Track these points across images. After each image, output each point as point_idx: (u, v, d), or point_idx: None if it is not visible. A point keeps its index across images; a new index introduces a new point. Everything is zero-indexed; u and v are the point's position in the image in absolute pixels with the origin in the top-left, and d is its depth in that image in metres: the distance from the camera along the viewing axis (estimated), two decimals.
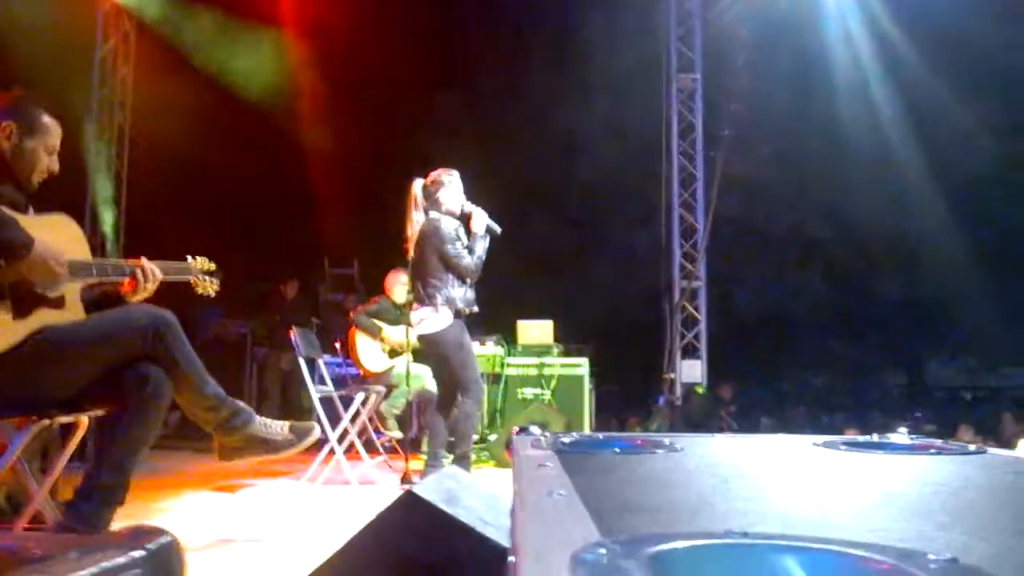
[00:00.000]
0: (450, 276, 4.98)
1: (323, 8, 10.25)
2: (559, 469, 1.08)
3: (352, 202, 11.03)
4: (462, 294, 5.02)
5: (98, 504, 2.60)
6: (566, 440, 1.53)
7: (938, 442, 1.61)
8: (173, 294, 3.08)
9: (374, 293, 7.26)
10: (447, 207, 5.08)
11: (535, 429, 1.63)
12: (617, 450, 1.41)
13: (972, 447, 1.53)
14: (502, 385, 8.36)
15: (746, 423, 10.45)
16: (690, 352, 9.86)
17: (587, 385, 8.36)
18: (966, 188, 11.39)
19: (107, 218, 9.83)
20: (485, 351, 8.32)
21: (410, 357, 6.02)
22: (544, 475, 1.03)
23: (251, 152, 10.72)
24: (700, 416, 9.11)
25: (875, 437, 1.72)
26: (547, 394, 8.21)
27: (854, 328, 14.73)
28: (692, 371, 9.74)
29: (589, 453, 1.37)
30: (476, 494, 2.96)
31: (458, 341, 5.00)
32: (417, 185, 5.16)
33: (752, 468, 1.28)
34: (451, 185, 5.12)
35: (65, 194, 3.10)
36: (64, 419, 2.78)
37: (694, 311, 9.95)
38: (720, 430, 9.00)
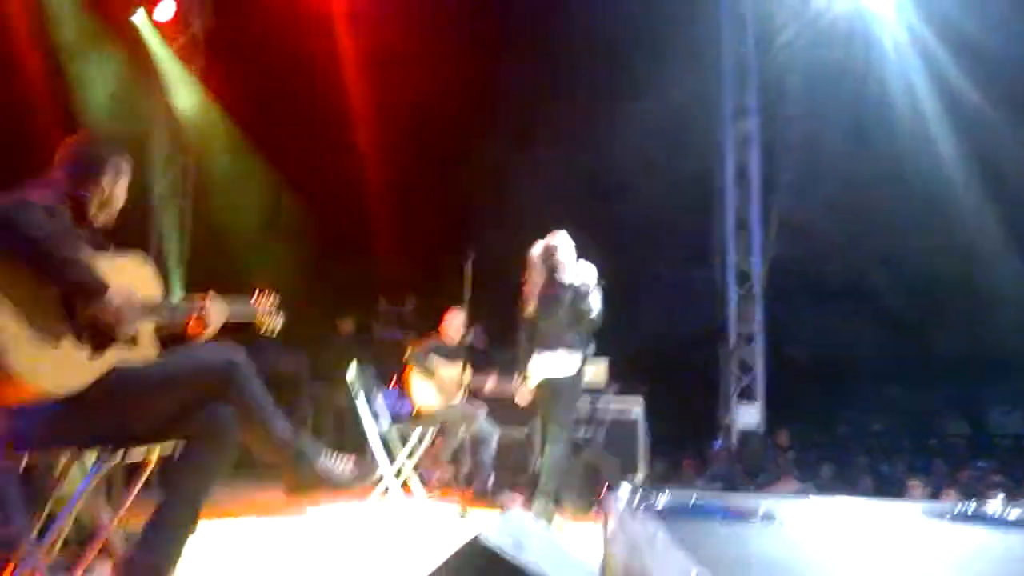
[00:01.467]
0: (581, 330, 5.39)
1: (378, 55, 10.44)
2: (671, 543, 1.06)
3: (409, 242, 11.14)
4: (591, 345, 5.47)
5: (168, 539, 2.63)
6: (662, 502, 1.51)
7: None
8: (230, 325, 3.12)
9: (428, 331, 7.29)
10: (568, 267, 5.45)
11: (624, 487, 1.60)
12: (719, 518, 1.39)
13: None
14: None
15: (804, 470, 10.23)
16: (747, 396, 9.72)
17: (641, 427, 8.26)
18: None
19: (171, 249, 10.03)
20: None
21: (465, 396, 6.02)
22: (664, 551, 1.01)
23: (309, 192, 10.90)
24: (756, 461, 8.92)
25: (973, 507, 1.65)
26: (601, 435, 8.12)
27: (912, 375, 14.41)
28: (749, 416, 9.59)
29: (691, 519, 1.35)
30: (542, 541, 2.93)
31: (575, 393, 5.47)
32: (536, 251, 5.57)
33: (853, 541, 1.25)
34: (566, 247, 5.50)
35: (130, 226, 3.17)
36: (136, 456, 2.81)
37: (749, 357, 9.82)
38: (779, 478, 8.81)
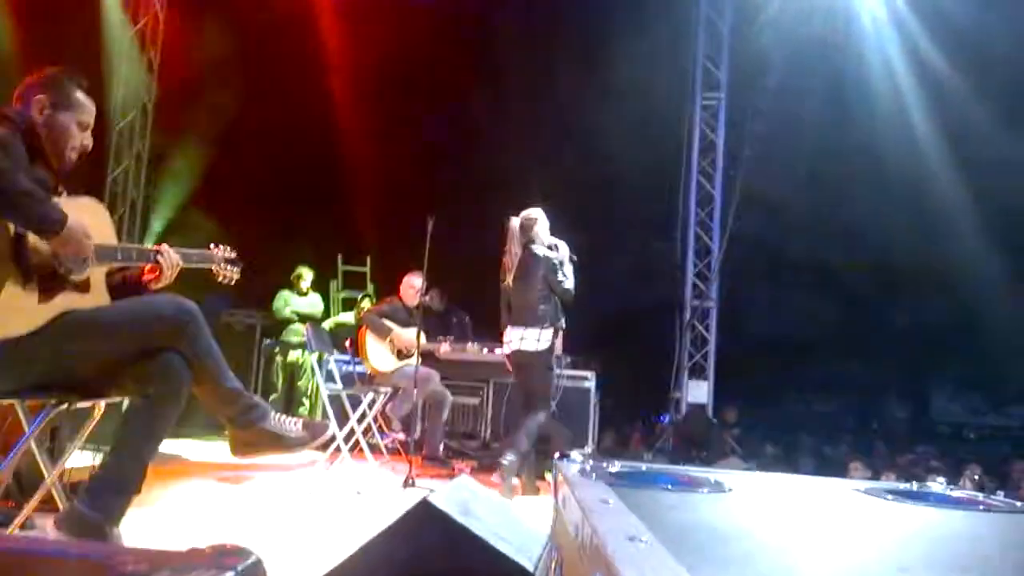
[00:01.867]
0: (554, 300, 5.59)
1: (354, 7, 10.27)
2: (623, 508, 1.07)
3: (369, 200, 11.03)
4: (555, 315, 5.60)
5: (114, 492, 2.59)
6: (613, 471, 1.51)
7: (981, 496, 1.59)
8: (184, 280, 3.07)
9: (385, 293, 7.25)
10: (543, 240, 5.68)
11: (576, 455, 1.61)
12: (669, 487, 1.40)
13: (1019, 504, 1.51)
14: (508, 394, 8.33)
15: (749, 447, 10.41)
16: (698, 372, 9.83)
17: (593, 399, 8.33)
18: (997, 221, 11.28)
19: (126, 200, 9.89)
20: (493, 359, 8.30)
21: (418, 360, 6.02)
22: (613, 515, 1.01)
23: (266, 147, 10.74)
24: (702, 437, 9.07)
25: (915, 486, 1.70)
26: (552, 404, 8.17)
27: (865, 357, 14.66)
28: (699, 392, 9.70)
29: (642, 487, 1.35)
30: (490, 507, 2.94)
31: (549, 365, 5.60)
32: (515, 221, 5.75)
33: (803, 515, 1.26)
34: (543, 221, 5.72)
35: (86, 174, 3.08)
36: (82, 404, 2.76)
37: (704, 331, 9.92)
38: (724, 454, 8.96)
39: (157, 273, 2.96)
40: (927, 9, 9.67)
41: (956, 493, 1.68)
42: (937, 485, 1.73)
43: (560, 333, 5.67)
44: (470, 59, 11.60)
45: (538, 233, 5.68)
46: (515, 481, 5.40)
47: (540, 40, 11.71)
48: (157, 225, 10.29)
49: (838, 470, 8.87)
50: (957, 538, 1.21)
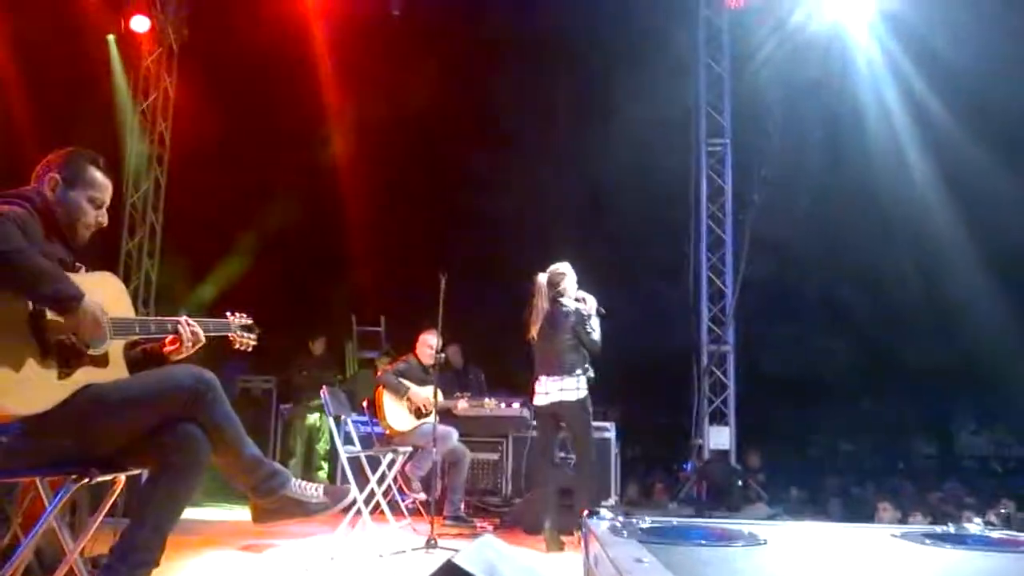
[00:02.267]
0: (582, 352, 5.75)
1: (358, 65, 10.44)
2: (658, 566, 1.04)
3: (381, 260, 11.08)
4: (587, 365, 5.77)
5: (133, 565, 2.57)
6: (644, 527, 1.49)
7: (1020, 536, 1.55)
8: (199, 348, 3.08)
9: (401, 352, 7.24)
10: (571, 294, 5.89)
11: (606, 512, 1.59)
12: (703, 542, 1.37)
13: None
14: (527, 448, 8.27)
15: (774, 491, 10.26)
16: (718, 418, 9.73)
17: (614, 449, 8.27)
18: (1002, 256, 11.26)
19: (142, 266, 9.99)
20: (511, 413, 8.26)
21: (436, 418, 5.99)
22: (649, 574, 0.99)
23: (279, 207, 10.84)
24: (729, 485, 8.94)
25: (952, 528, 1.66)
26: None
27: (884, 395, 14.50)
28: (720, 437, 9.60)
29: (675, 543, 1.33)
30: (516, 566, 2.89)
31: (586, 409, 5.72)
32: (542, 277, 5.97)
33: (841, 566, 1.24)
34: (571, 276, 5.94)
35: (100, 246, 3.11)
36: (103, 478, 2.75)
37: (722, 376, 9.85)
38: (748, 500, 8.83)
39: (177, 344, 2.98)
40: (922, 51, 9.77)
41: (994, 534, 1.64)
42: (974, 526, 1.69)
43: (589, 382, 5.77)
44: (476, 117, 11.75)
45: (566, 288, 5.87)
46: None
47: (543, 96, 11.86)
48: (172, 296, 10.35)
49: (867, 510, 8.72)
50: None
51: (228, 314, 3.31)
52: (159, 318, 2.99)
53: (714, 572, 1.12)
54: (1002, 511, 7.22)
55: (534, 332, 5.92)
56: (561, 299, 5.84)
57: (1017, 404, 14.11)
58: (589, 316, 5.75)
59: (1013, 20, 9.50)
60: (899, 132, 10.47)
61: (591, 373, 5.78)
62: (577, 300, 5.85)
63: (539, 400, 5.86)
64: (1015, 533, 1.66)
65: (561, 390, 5.72)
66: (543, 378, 5.82)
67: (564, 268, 5.94)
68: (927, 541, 1.50)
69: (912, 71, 9.95)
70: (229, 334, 3.27)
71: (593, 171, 11.12)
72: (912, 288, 12.02)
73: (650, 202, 10.45)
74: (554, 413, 5.82)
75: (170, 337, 2.98)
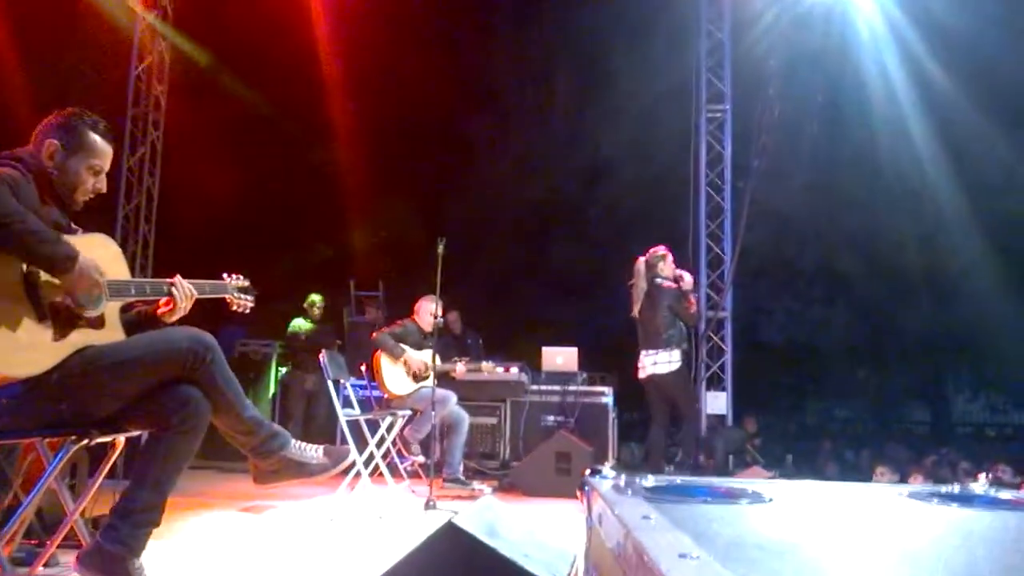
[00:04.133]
0: (681, 326, 6.49)
1: (355, 32, 10.31)
2: (666, 523, 1.04)
3: (381, 224, 11.04)
4: (681, 338, 6.48)
5: (134, 525, 2.58)
6: (648, 485, 1.48)
7: None
8: (198, 311, 3.06)
9: (400, 316, 7.22)
10: (667, 274, 6.57)
11: (608, 471, 1.58)
12: (708, 499, 1.36)
13: None
14: (525, 412, 8.30)
15: (770, 456, 10.33)
16: (716, 383, 9.76)
17: (611, 414, 8.29)
18: (1001, 223, 11.26)
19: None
20: (509, 377, 8.27)
21: (434, 381, 5.99)
22: (658, 531, 0.98)
23: (280, 171, 10.78)
24: (724, 449, 8.99)
25: (957, 488, 1.66)
26: (571, 422, 8.14)
27: (880, 361, 14.56)
28: (717, 403, 9.63)
29: (681, 501, 1.32)
30: (516, 526, 2.90)
31: (687, 380, 6.62)
32: (641, 260, 6.69)
33: (850, 524, 1.23)
34: (668, 259, 6.62)
35: (95, 210, 3.07)
36: (102, 439, 2.74)
37: (720, 342, 9.86)
38: (746, 464, 8.88)
39: (171, 305, 2.95)
40: (923, 17, 9.68)
41: (1002, 494, 1.64)
42: (979, 486, 1.69)
43: (687, 354, 6.56)
44: (474, 85, 11.66)
45: (662, 268, 6.54)
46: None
47: (542, 64, 11.75)
48: (170, 259, 10.30)
49: (862, 475, 8.78)
50: (1011, 540, 1.17)
51: (225, 275, 3.28)
52: (154, 280, 2.97)
53: (721, 528, 1.11)
54: (999, 475, 7.26)
55: (636, 311, 6.63)
56: (658, 279, 6.50)
57: (1013, 371, 14.18)
58: (685, 293, 6.39)
59: None
60: (900, 100, 10.42)
61: (686, 346, 6.51)
62: (675, 279, 6.49)
63: (641, 374, 6.59)
64: (1021, 493, 1.66)
65: (655, 363, 6.42)
66: (642, 353, 6.55)
67: (662, 250, 6.62)
68: (934, 500, 1.50)
69: (913, 38, 9.87)
70: (226, 295, 3.24)
71: (592, 138, 11.05)
72: (910, 257, 12.04)
73: (649, 168, 10.39)
74: (656, 384, 6.50)
75: (165, 298, 2.95)
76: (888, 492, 1.64)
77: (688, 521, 1.12)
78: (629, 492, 1.37)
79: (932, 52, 9.97)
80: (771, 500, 1.37)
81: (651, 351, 6.49)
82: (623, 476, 1.56)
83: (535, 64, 11.76)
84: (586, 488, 1.47)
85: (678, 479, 1.60)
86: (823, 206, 11.79)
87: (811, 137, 10.70)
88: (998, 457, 9.08)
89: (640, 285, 6.65)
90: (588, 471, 1.59)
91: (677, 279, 6.55)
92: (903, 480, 7.27)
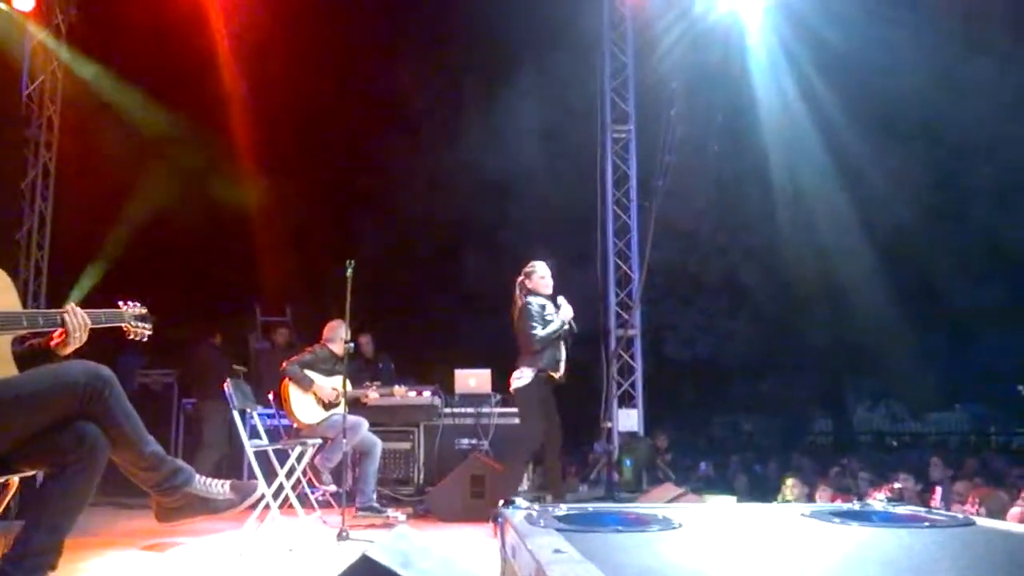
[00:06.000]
0: (540, 345, 6.10)
1: (262, 51, 10.15)
2: (577, 557, 1.04)
3: (287, 247, 10.85)
4: (548, 360, 6.13)
5: (29, 569, 2.46)
6: (560, 514, 1.49)
7: (922, 511, 1.62)
8: (93, 340, 2.92)
9: (307, 343, 7.09)
10: (541, 289, 6.27)
11: (521, 501, 1.58)
12: (619, 528, 1.37)
13: (960, 515, 1.54)
14: (439, 436, 8.25)
15: (681, 470, 10.52)
16: (626, 400, 9.89)
17: None
18: (890, 237, 11.77)
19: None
20: (422, 401, 8.21)
21: (345, 408, 5.89)
22: (569, 565, 0.98)
23: (182, 194, 10.49)
24: (638, 465, 9.11)
25: (857, 505, 1.71)
26: (485, 444, 8.12)
27: (782, 374, 15.00)
28: (629, 420, 9.76)
29: (592, 530, 1.33)
30: (430, 556, 2.87)
31: (526, 398, 6.13)
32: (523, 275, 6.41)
33: (754, 546, 1.26)
34: (535, 273, 6.31)
35: None
36: None
37: (630, 359, 10.00)
38: (658, 480, 9.01)
39: (64, 336, 2.81)
40: (811, 38, 10.12)
41: (899, 510, 1.70)
42: (878, 503, 1.75)
43: (545, 372, 6.10)
44: (380, 105, 11.61)
45: (534, 284, 6.26)
46: None
47: (448, 83, 11.79)
48: (64, 287, 9.87)
49: (772, 485, 9.02)
50: (908, 556, 1.21)
51: (120, 303, 3.14)
52: (47, 311, 2.83)
53: (632, 558, 1.12)
54: (902, 483, 7.54)
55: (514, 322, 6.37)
56: (525, 295, 6.24)
57: (909, 381, 14.81)
58: (538, 311, 6.11)
59: (894, 10, 9.92)
60: (793, 117, 10.83)
61: (543, 364, 6.08)
62: (549, 297, 6.23)
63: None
64: (917, 508, 1.72)
65: (514, 378, 6.18)
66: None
67: (531, 266, 6.34)
68: (835, 519, 1.55)
69: (805, 58, 10.30)
70: (123, 324, 3.10)
71: (501, 157, 11.11)
72: (808, 271, 12.47)
73: (557, 188, 10.51)
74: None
75: (58, 330, 2.81)
76: (790, 512, 1.69)
77: (600, 551, 1.12)
78: (541, 523, 1.37)
79: (823, 71, 10.42)
80: (680, 526, 1.40)
81: (516, 365, 6.27)
82: (535, 506, 1.56)
83: (443, 84, 11.79)
84: (499, 520, 1.46)
85: (589, 507, 1.61)
86: (725, 222, 12.12)
87: (712, 155, 11.01)
88: (897, 466, 9.46)
89: (516, 298, 6.41)
90: (501, 503, 1.59)
91: (551, 298, 6.29)
92: (811, 492, 7.50)
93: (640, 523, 1.44)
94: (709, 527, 1.46)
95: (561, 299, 6.28)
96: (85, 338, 2.86)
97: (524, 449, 6.30)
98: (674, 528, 1.38)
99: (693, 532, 1.36)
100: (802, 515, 1.62)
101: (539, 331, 6.10)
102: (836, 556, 1.22)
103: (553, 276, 6.38)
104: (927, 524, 1.53)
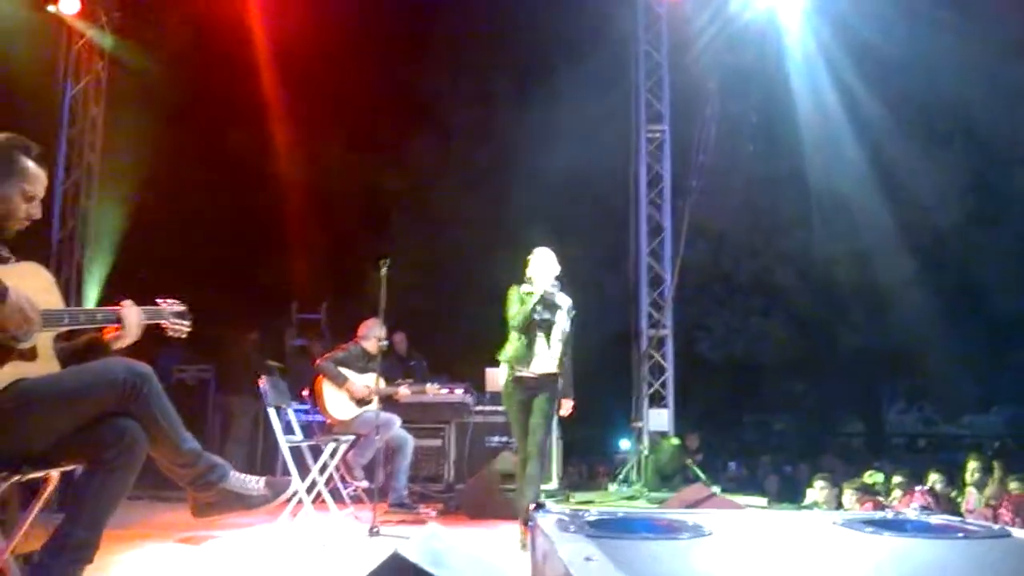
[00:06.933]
0: (513, 336, 5.47)
1: (299, 51, 10.24)
2: (608, 565, 1.05)
3: (323, 246, 10.94)
4: (513, 351, 5.44)
5: (67, 562, 2.51)
6: (591, 520, 1.50)
7: (957, 521, 1.61)
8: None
9: (341, 340, 7.15)
10: (539, 278, 5.45)
11: (551, 505, 1.59)
12: (650, 535, 1.39)
13: (996, 527, 1.53)
14: (470, 433, 8.30)
15: (712, 470, 10.48)
16: (657, 400, 9.87)
17: (555, 433, 8.31)
18: (929, 242, 11.63)
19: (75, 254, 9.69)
20: (453, 398, 8.26)
21: (378, 405, 5.94)
22: (600, 573, 1.00)
23: (220, 193, 10.63)
24: (669, 465, 9.09)
25: (890, 514, 1.71)
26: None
27: (815, 375, 14.88)
28: (659, 419, 9.74)
29: (623, 537, 1.34)
30: (461, 553, 2.90)
31: (507, 400, 5.49)
32: None
33: (786, 556, 1.26)
34: (535, 261, 5.53)
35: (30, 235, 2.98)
36: (35, 474, 2.67)
37: (661, 359, 9.98)
38: (688, 480, 8.99)
39: (122, 331, 2.87)
40: (852, 40, 10.01)
41: (933, 519, 1.69)
42: (912, 512, 1.74)
43: (513, 372, 5.42)
44: (415, 107, 11.67)
45: (534, 272, 5.50)
46: None
47: (482, 85, 11.82)
48: (95, 288, 9.98)
49: (802, 487, 8.95)
50: (942, 569, 1.21)
51: (159, 301, 3.19)
52: (88, 308, 2.90)
53: (663, 567, 1.14)
54: (932, 489, 7.45)
55: None
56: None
57: (943, 383, 14.61)
58: (511, 299, 5.47)
59: (937, 12, 9.78)
60: (831, 119, 10.72)
61: (510, 363, 5.44)
62: (548, 292, 5.43)
63: None
64: (951, 518, 1.72)
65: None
66: None
67: (532, 254, 5.58)
68: (867, 529, 1.54)
69: (844, 60, 10.18)
70: (162, 322, 3.15)
71: (532, 158, 11.12)
72: (843, 272, 12.35)
73: (590, 189, 10.51)
74: None
75: (114, 326, 2.87)
76: (822, 520, 1.69)
77: (631, 559, 1.14)
78: (572, 528, 1.38)
79: (862, 74, 10.30)
80: (711, 534, 1.40)
81: None
82: (566, 511, 1.58)
83: (475, 86, 11.83)
84: (530, 524, 1.48)
85: (620, 512, 1.62)
86: (759, 224, 12.04)
87: (747, 156, 10.94)
88: (930, 468, 9.32)
89: None
90: (533, 506, 1.60)
91: (549, 293, 5.49)
92: (840, 495, 7.44)
93: (671, 530, 1.44)
94: (740, 535, 1.47)
95: (550, 288, 5.45)
96: (140, 334, 2.92)
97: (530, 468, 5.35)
98: (705, 536, 1.38)
99: (724, 540, 1.36)
100: (834, 523, 1.61)
101: (514, 320, 5.43)
102: (869, 567, 1.22)
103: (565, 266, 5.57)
104: (962, 535, 1.52)
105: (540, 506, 1.62)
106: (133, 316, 2.87)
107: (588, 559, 1.06)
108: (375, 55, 10.89)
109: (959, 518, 1.60)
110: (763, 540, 1.44)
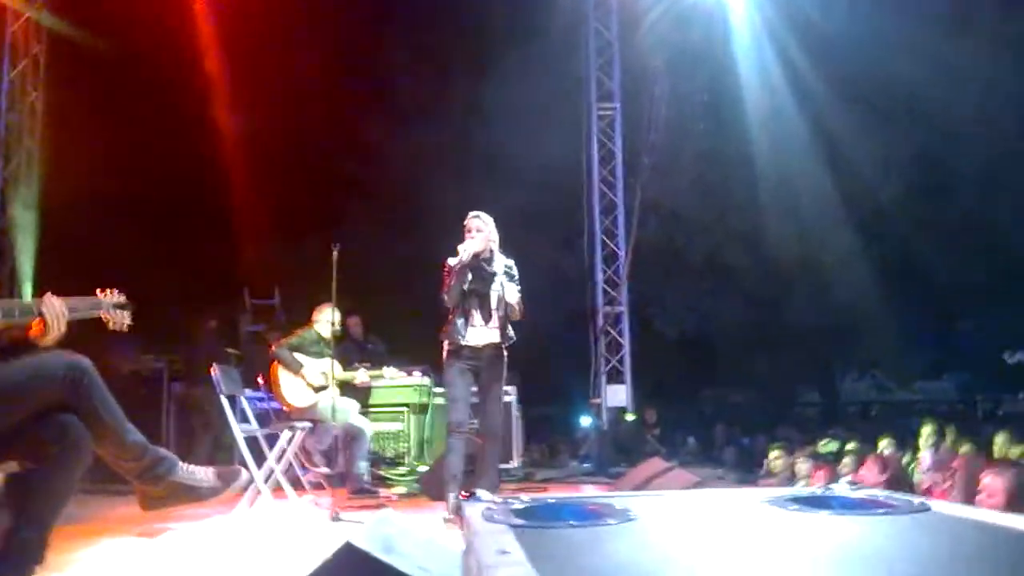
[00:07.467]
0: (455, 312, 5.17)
1: (245, 34, 10.06)
2: (522, 560, 1.06)
3: (274, 229, 10.82)
4: (451, 329, 5.16)
5: (15, 564, 2.47)
6: (518, 508, 1.52)
7: (882, 496, 1.65)
8: (83, 329, 2.91)
9: (297, 325, 7.09)
10: (466, 247, 5.15)
11: (483, 494, 1.60)
12: (573, 523, 1.41)
13: (916, 502, 1.58)
14: (429, 415, 8.30)
15: (670, 444, 10.61)
16: (615, 377, 9.96)
17: (515, 412, 8.36)
18: (872, 214, 11.83)
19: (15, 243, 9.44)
20: (412, 381, 8.25)
21: (336, 391, 5.92)
22: (511, 568, 1.01)
23: (167, 178, 10.45)
24: (628, 441, 9.19)
25: (819, 490, 1.75)
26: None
27: (769, 349, 15.08)
28: (617, 396, 9.84)
29: (547, 526, 1.36)
30: (413, 540, 2.91)
31: (446, 370, 5.22)
32: None
33: (709, 538, 1.29)
34: (477, 221, 5.29)
35: None
36: None
37: (618, 336, 10.06)
38: (646, 454, 9.09)
39: (43, 327, 2.78)
40: (797, 17, 10.10)
41: (857, 494, 1.74)
42: (840, 487, 1.78)
43: (449, 346, 5.21)
44: (366, 87, 11.55)
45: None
46: None
47: (434, 63, 11.73)
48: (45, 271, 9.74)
49: (758, 458, 9.11)
50: (860, 546, 1.25)
51: (98, 292, 3.10)
52: (23, 301, 2.79)
53: (583, 556, 1.16)
54: (882, 454, 7.61)
55: None
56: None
57: (893, 351, 14.92)
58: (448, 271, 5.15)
59: None
60: (777, 97, 10.81)
61: (447, 335, 5.19)
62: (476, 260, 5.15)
63: None
64: (875, 492, 1.76)
65: None
66: None
67: (468, 218, 5.32)
68: (792, 507, 1.58)
69: (789, 37, 10.27)
70: (101, 313, 3.07)
71: (485, 138, 11.09)
72: (791, 247, 12.51)
73: (545, 169, 10.51)
74: None
75: (36, 320, 2.78)
76: (748, 499, 1.72)
77: (551, 549, 1.16)
78: (496, 518, 1.40)
79: (806, 50, 10.39)
80: (636, 518, 1.43)
81: None
82: (495, 499, 1.59)
83: (426, 66, 11.73)
84: (462, 513, 1.49)
85: (550, 499, 1.64)
86: (709, 201, 12.14)
87: (696, 133, 11.02)
88: (884, 433, 9.51)
89: None
90: (463, 495, 1.62)
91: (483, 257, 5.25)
92: (793, 460, 7.58)
93: (597, 516, 1.47)
94: (665, 519, 1.50)
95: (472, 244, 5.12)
96: (64, 328, 2.83)
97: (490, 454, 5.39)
98: (630, 520, 1.41)
99: (648, 525, 1.39)
100: (761, 502, 1.65)
101: (453, 292, 5.11)
102: (788, 546, 1.25)
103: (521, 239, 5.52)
104: (883, 511, 1.57)
105: (471, 495, 1.64)
106: (55, 308, 2.70)
107: (502, 552, 1.08)
108: (327, 34, 10.74)
109: (886, 492, 1.65)
110: (688, 522, 1.47)
